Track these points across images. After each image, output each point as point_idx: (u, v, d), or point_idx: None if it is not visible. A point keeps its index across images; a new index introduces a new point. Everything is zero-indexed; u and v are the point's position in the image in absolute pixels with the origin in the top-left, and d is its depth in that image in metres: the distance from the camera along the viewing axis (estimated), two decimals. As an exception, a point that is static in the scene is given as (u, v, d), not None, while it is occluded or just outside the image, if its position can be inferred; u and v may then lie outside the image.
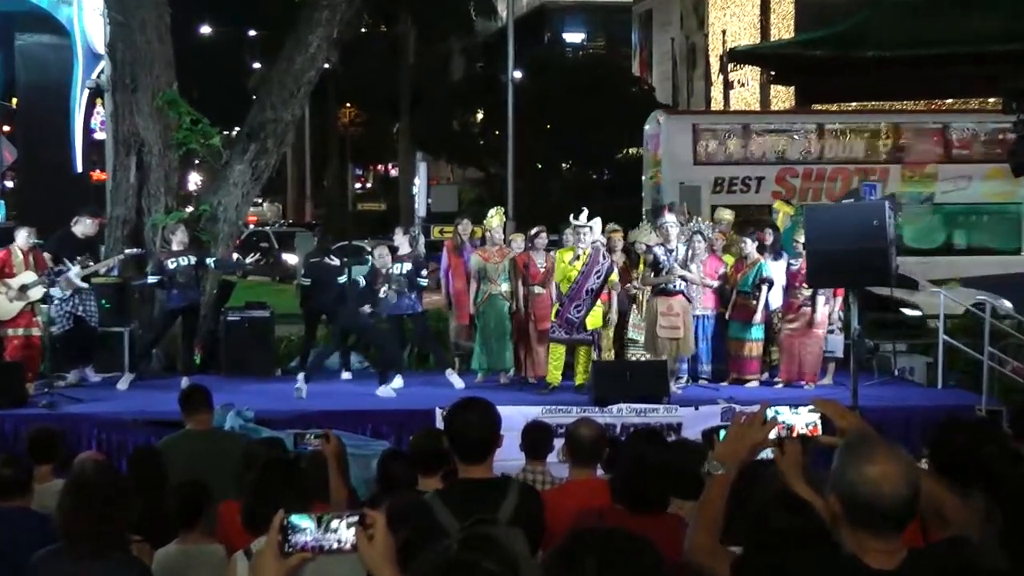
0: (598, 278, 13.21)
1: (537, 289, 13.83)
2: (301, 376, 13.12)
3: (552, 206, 30.31)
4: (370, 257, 14.38)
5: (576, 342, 13.40)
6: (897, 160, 25.98)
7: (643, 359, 13.55)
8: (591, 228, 13.44)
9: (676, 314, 13.47)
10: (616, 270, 13.65)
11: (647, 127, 28.47)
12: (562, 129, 42.54)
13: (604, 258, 13.33)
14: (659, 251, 13.57)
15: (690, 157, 26.04)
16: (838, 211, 13.11)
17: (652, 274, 13.64)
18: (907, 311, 16.44)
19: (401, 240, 14.27)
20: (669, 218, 13.96)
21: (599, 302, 13.40)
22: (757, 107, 40.65)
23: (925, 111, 26.41)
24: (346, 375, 14.68)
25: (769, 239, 14.39)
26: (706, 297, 14.01)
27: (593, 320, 13.31)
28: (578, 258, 13.25)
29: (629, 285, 14.05)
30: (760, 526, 3.69)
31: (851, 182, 24.60)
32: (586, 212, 13.51)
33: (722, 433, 3.74)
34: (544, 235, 14.12)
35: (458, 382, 13.62)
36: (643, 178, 29.11)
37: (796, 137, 26.57)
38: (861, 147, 26.43)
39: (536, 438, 7.34)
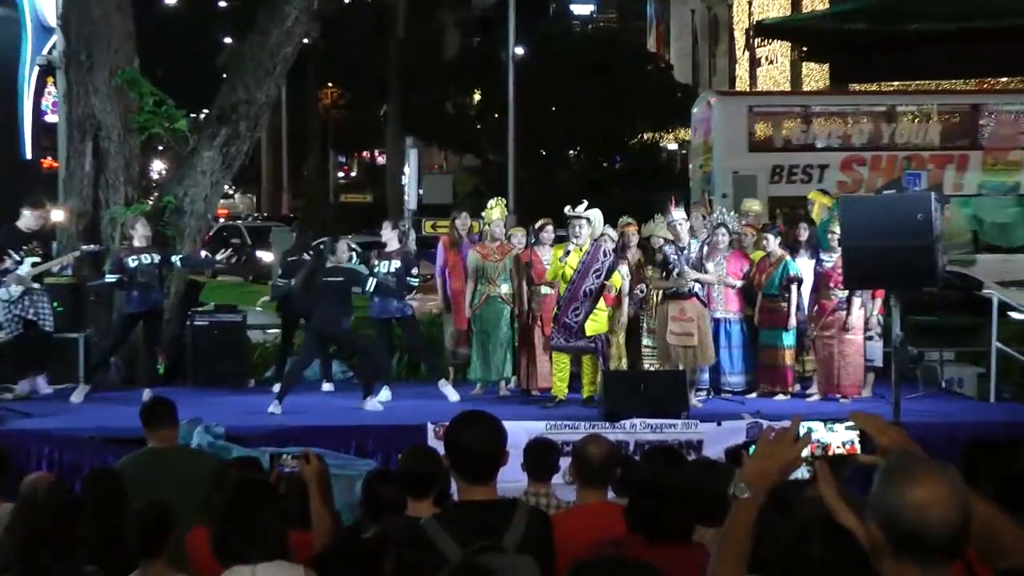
0: (597, 277, 13.14)
1: (544, 289, 13.79)
2: (276, 393, 13.08)
3: (559, 198, 30.24)
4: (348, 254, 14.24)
5: (577, 350, 13.37)
6: (978, 146, 25.81)
7: (659, 369, 13.54)
8: (588, 220, 13.31)
9: (689, 319, 13.42)
10: (624, 269, 13.58)
11: (695, 110, 28.41)
12: (570, 112, 42.59)
13: (605, 255, 13.25)
14: (669, 250, 13.50)
15: (744, 143, 25.91)
16: (877, 203, 13.08)
17: (663, 275, 13.60)
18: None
19: (389, 235, 14.27)
20: (677, 215, 13.71)
21: (603, 305, 13.37)
22: (787, 87, 40.67)
23: (1010, 91, 26.22)
24: (327, 386, 14.68)
25: (804, 234, 14.34)
26: (729, 299, 13.99)
27: (594, 325, 13.24)
28: (569, 253, 13.17)
29: (641, 286, 14.01)
30: (794, 556, 3.68)
31: (925, 170, 24.41)
32: (584, 203, 13.44)
33: (752, 450, 3.73)
34: (550, 228, 14.09)
35: (452, 394, 13.63)
36: (690, 166, 29.10)
37: (864, 120, 26.42)
38: (936, 131, 26.23)
39: (540, 457, 7.33)
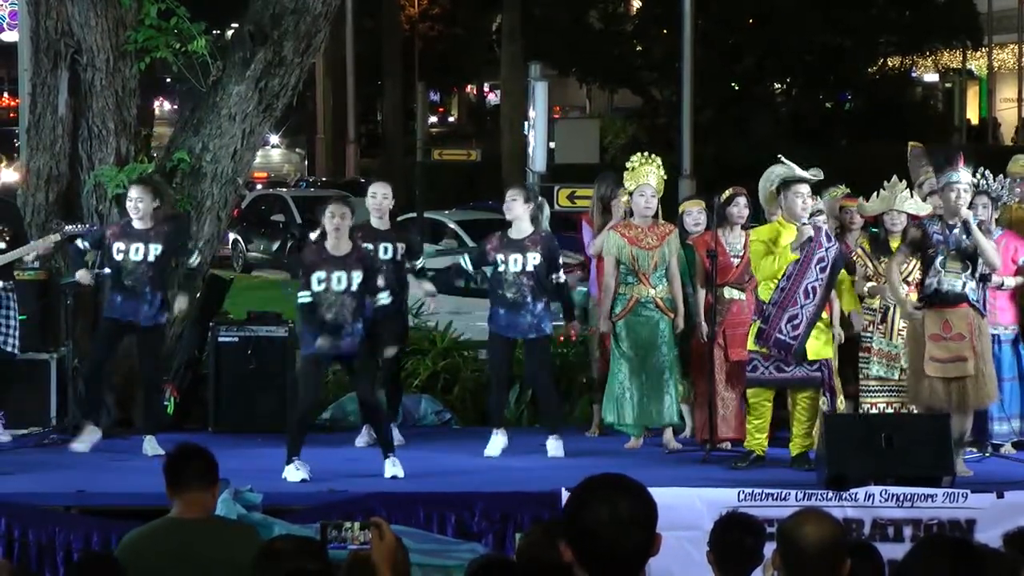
0: (821, 271, 13.14)
1: (730, 292, 13.79)
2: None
3: (756, 153, 30.10)
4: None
5: (794, 384, 13.36)
6: None
7: (904, 411, 13.46)
8: (812, 181, 13.33)
9: (958, 336, 13.23)
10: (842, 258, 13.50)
11: None
12: (774, 26, 42.35)
13: (829, 240, 13.25)
14: (933, 227, 13.23)
15: None
16: None
17: (908, 268, 13.42)
18: None
19: (519, 211, 14.09)
20: (963, 176, 13.41)
21: (824, 315, 13.34)
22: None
23: None
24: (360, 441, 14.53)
25: None
26: (996, 305, 13.78)
27: (819, 345, 13.24)
28: (799, 217, 13.11)
29: (872, 285, 13.84)
30: None
31: None
32: (820, 171, 13.43)
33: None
34: (743, 201, 13.99)
35: (556, 448, 13.70)
36: None
37: None
38: None
39: (736, 542, 7.34)
